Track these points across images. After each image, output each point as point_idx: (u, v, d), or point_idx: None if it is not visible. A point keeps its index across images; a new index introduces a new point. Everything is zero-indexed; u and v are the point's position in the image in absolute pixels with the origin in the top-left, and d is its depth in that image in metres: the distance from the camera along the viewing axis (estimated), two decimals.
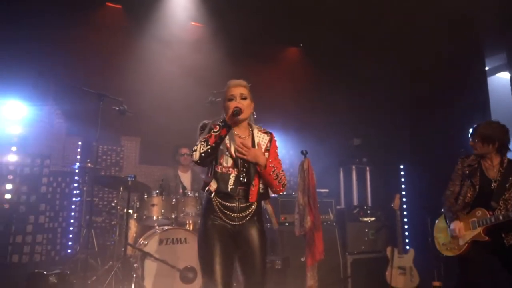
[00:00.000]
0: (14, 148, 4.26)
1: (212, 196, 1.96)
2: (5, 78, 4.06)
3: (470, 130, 2.81)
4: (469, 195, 2.70)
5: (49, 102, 4.88)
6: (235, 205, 1.96)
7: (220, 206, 1.96)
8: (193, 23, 5.42)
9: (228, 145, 1.99)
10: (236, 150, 1.98)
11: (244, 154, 1.95)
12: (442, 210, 2.88)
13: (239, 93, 2.03)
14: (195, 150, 1.91)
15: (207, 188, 1.98)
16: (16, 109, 4.26)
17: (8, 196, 4.16)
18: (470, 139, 2.76)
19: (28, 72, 4.26)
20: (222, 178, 1.95)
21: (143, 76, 5.02)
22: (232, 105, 1.97)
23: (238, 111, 1.91)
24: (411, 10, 4.52)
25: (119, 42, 5.02)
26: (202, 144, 1.91)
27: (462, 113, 4.58)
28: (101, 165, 5.13)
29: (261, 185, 2.03)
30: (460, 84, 4.66)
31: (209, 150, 1.90)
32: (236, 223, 1.96)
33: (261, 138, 2.09)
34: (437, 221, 2.97)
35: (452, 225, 2.71)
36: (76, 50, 4.75)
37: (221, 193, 1.95)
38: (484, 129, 2.72)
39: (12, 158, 4.25)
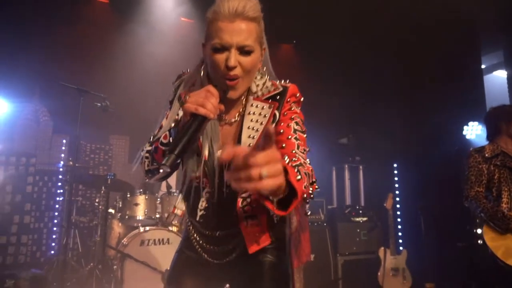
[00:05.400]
0: None
1: (183, 220, 1.30)
2: None
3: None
4: None
5: (34, 99, 4.78)
6: (218, 240, 1.20)
7: (198, 237, 1.24)
8: (183, 18, 5.31)
9: (199, 139, 1.12)
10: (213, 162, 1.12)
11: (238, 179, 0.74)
12: (481, 215, 2.44)
13: (239, 42, 1.05)
14: (141, 160, 1.17)
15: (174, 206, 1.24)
16: None
17: None
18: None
19: (11, 69, 4.16)
20: (189, 195, 1.17)
21: (132, 73, 4.92)
22: (218, 62, 1.05)
23: (202, 117, 0.96)
24: (408, 7, 4.44)
25: (107, 38, 4.92)
26: (147, 159, 1.14)
27: (458, 111, 4.49)
28: (89, 164, 5.03)
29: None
30: (456, 82, 4.57)
31: (155, 173, 1.14)
32: (220, 261, 1.21)
33: (257, 116, 1.14)
34: (483, 234, 2.47)
35: None
36: (63, 46, 4.66)
37: (193, 220, 1.23)
38: None
39: None
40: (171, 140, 1.05)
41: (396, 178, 4.95)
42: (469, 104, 4.53)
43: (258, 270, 1.18)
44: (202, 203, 1.20)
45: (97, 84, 4.10)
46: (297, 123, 1.16)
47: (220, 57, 1.06)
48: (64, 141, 4.84)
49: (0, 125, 4.26)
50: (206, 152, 1.12)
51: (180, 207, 1.23)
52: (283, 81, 1.23)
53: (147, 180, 1.19)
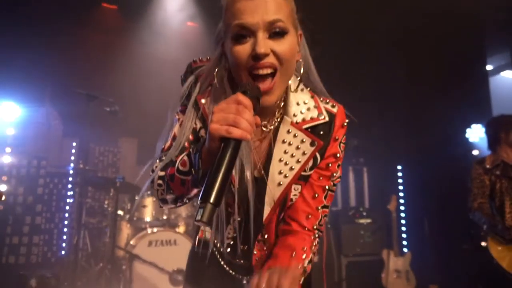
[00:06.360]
0: (8, 149, 4.28)
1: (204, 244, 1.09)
2: None
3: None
4: None
5: (45, 103, 4.90)
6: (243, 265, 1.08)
7: (220, 256, 1.11)
8: (189, 23, 5.40)
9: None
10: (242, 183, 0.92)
11: None
12: (484, 229, 2.54)
13: (266, 20, 0.81)
14: (153, 187, 0.95)
15: (197, 234, 1.10)
16: (10, 111, 4.29)
17: (3, 197, 4.17)
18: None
19: (22, 74, 4.28)
20: (215, 221, 0.98)
21: (140, 77, 5.02)
22: (241, 55, 0.82)
23: (237, 141, 0.73)
24: (411, 7, 4.45)
25: (115, 42, 5.04)
26: (160, 186, 0.92)
27: (462, 113, 4.49)
28: (97, 166, 5.14)
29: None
30: (460, 84, 4.57)
31: (172, 203, 0.94)
32: (246, 276, 1.10)
33: (293, 149, 0.94)
34: (488, 246, 2.54)
35: None
36: (73, 51, 4.77)
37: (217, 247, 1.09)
38: None
39: (6, 159, 4.27)
40: (193, 171, 0.81)
41: (400, 180, 4.97)
42: (473, 106, 4.53)
43: None
44: (230, 231, 1.02)
45: (106, 88, 4.21)
46: (334, 178, 1.02)
47: (243, 48, 0.81)
48: (74, 144, 4.96)
49: (13, 129, 4.38)
50: (236, 177, 0.90)
51: (208, 229, 1.05)
52: (327, 100, 0.99)
53: (161, 206, 1.02)
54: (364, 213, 4.32)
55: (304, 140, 0.94)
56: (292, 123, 0.94)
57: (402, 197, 4.81)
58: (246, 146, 0.90)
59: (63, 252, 4.54)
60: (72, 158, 4.92)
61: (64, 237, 4.61)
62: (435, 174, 4.35)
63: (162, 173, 0.92)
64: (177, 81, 1.08)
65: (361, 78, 5.14)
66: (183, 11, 5.19)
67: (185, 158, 0.85)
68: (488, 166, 2.59)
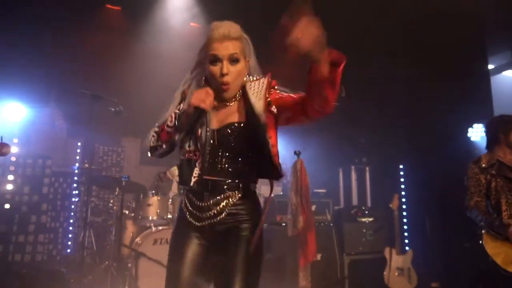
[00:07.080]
0: (14, 149, 4.33)
1: (181, 190, 1.56)
2: (4, 81, 4.12)
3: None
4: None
5: (50, 103, 4.94)
6: (204, 204, 1.44)
7: (188, 203, 1.49)
8: (192, 23, 5.44)
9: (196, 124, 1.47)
10: (206, 126, 1.45)
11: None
12: (481, 227, 2.54)
13: (228, 53, 1.42)
14: (148, 139, 1.50)
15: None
16: (16, 111, 4.33)
17: (9, 196, 4.23)
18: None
19: (28, 75, 4.32)
20: (185, 167, 1.47)
21: (143, 77, 5.05)
22: (214, 72, 1.42)
23: (202, 110, 1.40)
24: (413, 8, 4.47)
25: (119, 43, 5.06)
26: (154, 137, 1.49)
27: (463, 113, 4.52)
28: (102, 166, 5.19)
29: (246, 167, 1.46)
30: (462, 83, 4.59)
31: (158, 149, 1.49)
32: (206, 223, 1.43)
33: (256, 90, 1.47)
34: (484, 242, 2.55)
35: None
36: (77, 51, 4.81)
37: (186, 187, 1.48)
38: None
39: (12, 159, 4.32)
40: (176, 123, 1.44)
41: (402, 179, 5.00)
42: (475, 106, 4.55)
43: (236, 242, 1.43)
44: (196, 172, 1.45)
45: (110, 88, 4.24)
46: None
47: (216, 68, 1.44)
48: (79, 143, 5.00)
49: (19, 129, 4.43)
50: (201, 131, 1.45)
51: (172, 174, 1.52)
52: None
53: (149, 155, 1.52)
54: (367, 212, 4.36)
55: (259, 82, 1.50)
56: (250, 81, 1.52)
57: (404, 196, 4.85)
58: (208, 115, 1.46)
59: (68, 250, 4.59)
60: (77, 157, 4.96)
61: (70, 235, 4.66)
62: (437, 173, 4.38)
63: (157, 129, 1.50)
64: (179, 81, 1.57)
65: (362, 78, 5.16)
66: (186, 12, 5.23)
67: (172, 116, 1.46)
68: (483, 165, 2.61)
